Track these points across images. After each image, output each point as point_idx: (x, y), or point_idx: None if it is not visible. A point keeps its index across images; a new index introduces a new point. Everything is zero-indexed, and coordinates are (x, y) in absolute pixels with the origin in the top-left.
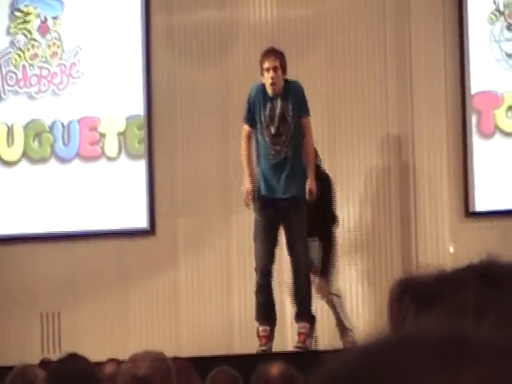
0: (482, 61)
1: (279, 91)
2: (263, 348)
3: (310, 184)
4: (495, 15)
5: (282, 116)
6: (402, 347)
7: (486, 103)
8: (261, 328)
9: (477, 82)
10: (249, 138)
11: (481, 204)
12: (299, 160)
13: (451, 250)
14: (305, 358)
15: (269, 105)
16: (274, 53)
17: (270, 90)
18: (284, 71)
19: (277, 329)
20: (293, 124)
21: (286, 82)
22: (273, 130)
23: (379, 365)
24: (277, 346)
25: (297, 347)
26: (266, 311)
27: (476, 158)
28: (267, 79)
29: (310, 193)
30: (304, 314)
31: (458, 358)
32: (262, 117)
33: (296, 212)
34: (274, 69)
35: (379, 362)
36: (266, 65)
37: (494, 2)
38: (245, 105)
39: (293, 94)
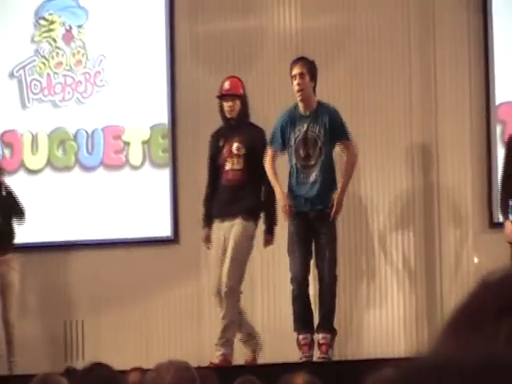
0: (506, 71)
1: (310, 107)
2: (306, 355)
3: (337, 199)
4: None
5: (312, 140)
6: (437, 370)
7: (511, 114)
8: (301, 337)
9: (501, 93)
10: (273, 159)
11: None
12: (329, 183)
13: (476, 260)
14: (327, 369)
15: (298, 127)
16: (301, 60)
17: (299, 99)
18: (313, 78)
19: (279, 340)
20: (324, 148)
21: (319, 103)
22: (302, 154)
23: None
24: (279, 358)
25: (320, 358)
26: (305, 320)
27: (500, 169)
28: (295, 86)
29: (333, 207)
30: (328, 325)
31: (489, 379)
32: (292, 140)
33: (324, 225)
34: (301, 75)
35: None
36: (294, 72)
37: None
38: (271, 130)
39: (325, 117)
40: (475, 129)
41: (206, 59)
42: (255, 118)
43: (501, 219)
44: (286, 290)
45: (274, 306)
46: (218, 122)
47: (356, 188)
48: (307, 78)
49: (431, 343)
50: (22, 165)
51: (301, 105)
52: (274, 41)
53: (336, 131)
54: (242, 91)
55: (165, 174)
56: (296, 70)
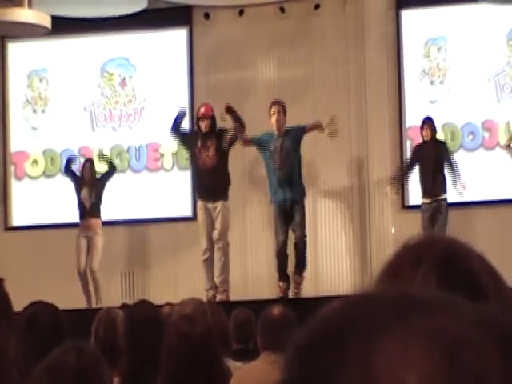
0: (414, 103)
1: (281, 132)
2: (283, 294)
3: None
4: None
5: (284, 151)
6: (370, 301)
7: (417, 133)
8: (281, 282)
9: (410, 119)
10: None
11: (414, 199)
12: (297, 178)
13: (393, 231)
14: (296, 304)
15: (273, 144)
16: (277, 102)
17: (275, 129)
18: (284, 114)
19: (260, 283)
20: (290, 155)
21: (286, 129)
22: (277, 161)
23: (348, 315)
24: (259, 296)
25: (295, 293)
26: (284, 271)
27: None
28: (273, 120)
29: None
30: (300, 270)
31: (409, 309)
32: (268, 152)
33: (297, 209)
34: (278, 113)
35: (349, 313)
36: (272, 110)
37: (422, 66)
38: (256, 139)
39: (290, 134)
40: (393, 144)
41: (215, 98)
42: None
43: (411, 203)
44: (263, 249)
45: (260, 258)
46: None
47: (315, 189)
48: (282, 115)
49: (366, 285)
50: None
51: (276, 131)
52: (260, 86)
53: (297, 135)
54: (212, 113)
55: (187, 175)
56: (274, 109)
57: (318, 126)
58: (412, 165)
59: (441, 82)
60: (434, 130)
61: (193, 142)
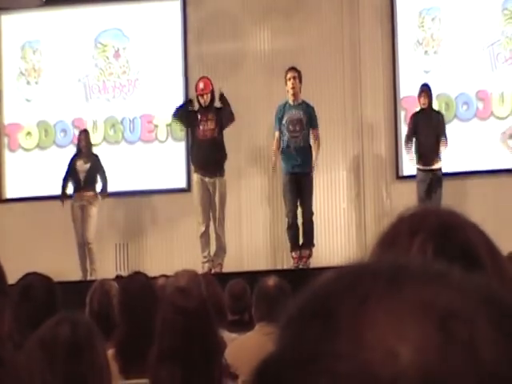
0: (409, 74)
1: (297, 100)
2: (296, 265)
3: (314, 162)
4: (416, 45)
5: (299, 120)
6: (361, 271)
7: (411, 104)
8: (293, 253)
9: (404, 89)
10: (277, 140)
11: (407, 170)
12: (308, 149)
13: (388, 202)
14: (292, 275)
15: (289, 113)
16: (293, 68)
17: (290, 97)
18: (300, 81)
19: (256, 255)
20: (305, 127)
21: (303, 101)
22: (291, 129)
23: (339, 286)
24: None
25: (304, 266)
26: (296, 242)
27: (402, 139)
28: (289, 87)
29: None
30: (309, 243)
31: (401, 279)
32: (284, 120)
33: (305, 180)
34: (294, 78)
35: (340, 283)
36: (288, 75)
37: (416, 37)
38: (273, 119)
39: (306, 108)
40: (388, 114)
41: (209, 69)
42: (240, 105)
43: (404, 173)
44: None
45: (256, 230)
46: None
47: (320, 159)
48: (297, 81)
49: (363, 256)
50: None
51: (291, 98)
52: (254, 56)
53: (311, 121)
54: (211, 87)
55: (181, 146)
56: (290, 75)
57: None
58: (411, 135)
59: (435, 52)
60: (431, 98)
61: (193, 117)
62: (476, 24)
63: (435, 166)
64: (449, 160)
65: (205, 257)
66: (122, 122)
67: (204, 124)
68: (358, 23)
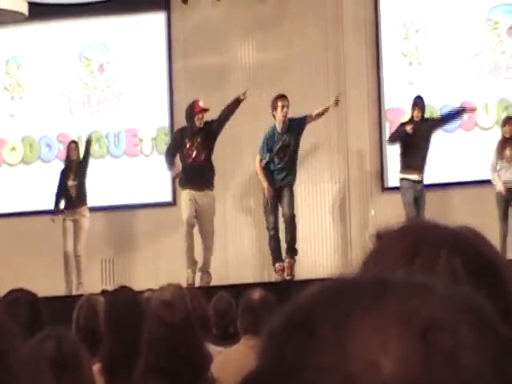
0: (393, 85)
1: (284, 125)
2: (281, 276)
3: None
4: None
5: (287, 145)
6: (344, 285)
7: (395, 115)
8: (277, 265)
9: (389, 101)
10: (261, 163)
11: (392, 181)
12: (293, 165)
13: (372, 212)
14: (278, 287)
15: (277, 141)
16: (284, 96)
17: (281, 123)
18: (288, 109)
19: (242, 268)
20: (292, 148)
21: (289, 120)
22: (281, 155)
23: (322, 299)
24: (242, 280)
25: (288, 276)
26: (279, 253)
27: (388, 150)
28: (280, 116)
29: None
30: (292, 251)
31: (383, 292)
32: (274, 149)
33: (287, 193)
34: (287, 107)
35: (323, 297)
36: (279, 103)
37: (400, 48)
38: (261, 144)
39: (291, 128)
40: (372, 126)
41: (194, 83)
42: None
43: (390, 185)
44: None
45: (241, 241)
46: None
47: (306, 171)
48: (288, 109)
49: (352, 270)
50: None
51: (280, 125)
52: (238, 70)
53: (299, 126)
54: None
55: None
56: (281, 103)
57: (325, 110)
58: (401, 136)
59: (419, 64)
60: (424, 111)
61: (180, 141)
62: (460, 35)
63: (422, 176)
64: (433, 171)
65: (190, 266)
66: (106, 137)
67: (193, 149)
68: (342, 35)
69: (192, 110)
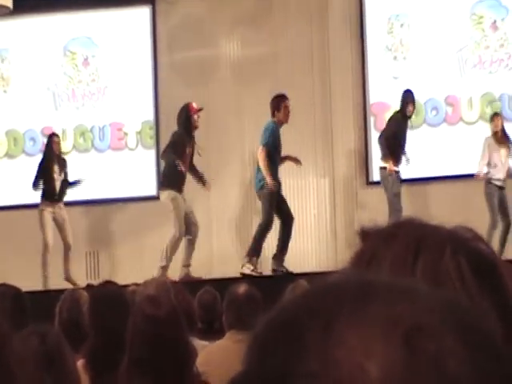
0: (378, 80)
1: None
2: (258, 272)
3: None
4: (385, 50)
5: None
6: (329, 288)
7: (380, 109)
8: (254, 259)
9: (374, 95)
10: (267, 155)
11: (377, 175)
12: None
13: (358, 206)
14: (263, 281)
15: (280, 138)
16: (287, 97)
17: (284, 122)
18: None
19: (225, 263)
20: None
21: None
22: (280, 150)
23: (307, 303)
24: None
25: (278, 271)
26: (260, 250)
27: (372, 145)
28: (287, 114)
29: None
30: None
31: (368, 296)
32: (279, 148)
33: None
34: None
35: (308, 301)
36: (287, 104)
37: (385, 43)
38: (267, 136)
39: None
40: (357, 120)
41: (179, 77)
42: (211, 111)
43: (375, 178)
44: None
45: (224, 236)
46: None
47: (281, 167)
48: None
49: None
50: None
51: (283, 124)
52: (223, 64)
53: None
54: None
55: (151, 153)
56: (289, 104)
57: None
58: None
59: (404, 58)
60: (414, 107)
61: (181, 147)
62: (444, 29)
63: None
64: (417, 165)
65: (186, 261)
66: (91, 130)
67: (189, 153)
68: (327, 29)
69: (188, 112)
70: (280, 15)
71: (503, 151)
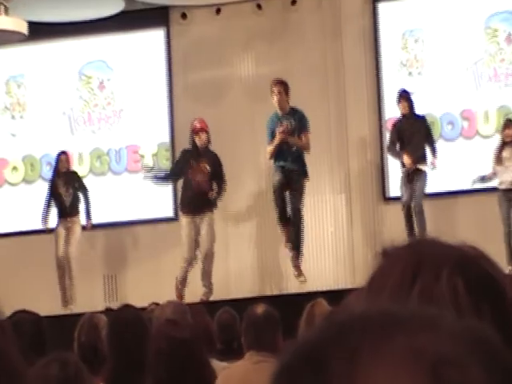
0: (393, 95)
1: (285, 111)
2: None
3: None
4: (400, 66)
5: (291, 130)
6: (352, 320)
7: None
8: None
9: (389, 111)
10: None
11: (394, 191)
12: (298, 151)
13: (375, 222)
14: (281, 300)
15: (280, 122)
16: (278, 82)
17: (278, 109)
18: (287, 94)
19: (243, 283)
20: (296, 134)
21: (291, 108)
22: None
23: (331, 335)
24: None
25: (299, 278)
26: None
27: (388, 161)
28: (275, 101)
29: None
30: (300, 254)
31: (392, 327)
32: (277, 130)
33: (295, 180)
34: (279, 93)
35: (332, 333)
36: (274, 89)
37: (400, 58)
38: (266, 132)
39: (295, 115)
40: (373, 136)
41: (194, 97)
42: (226, 134)
43: (391, 195)
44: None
45: (242, 254)
46: None
47: (311, 187)
48: (283, 95)
49: (352, 300)
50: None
51: (278, 110)
52: (238, 83)
53: (301, 125)
54: (207, 128)
55: None
56: (275, 89)
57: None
58: (395, 141)
59: (419, 73)
60: (411, 103)
61: (184, 162)
62: (459, 43)
63: (420, 166)
64: (435, 180)
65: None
66: (107, 153)
67: (198, 172)
68: (341, 46)
69: (191, 131)
70: (294, 32)
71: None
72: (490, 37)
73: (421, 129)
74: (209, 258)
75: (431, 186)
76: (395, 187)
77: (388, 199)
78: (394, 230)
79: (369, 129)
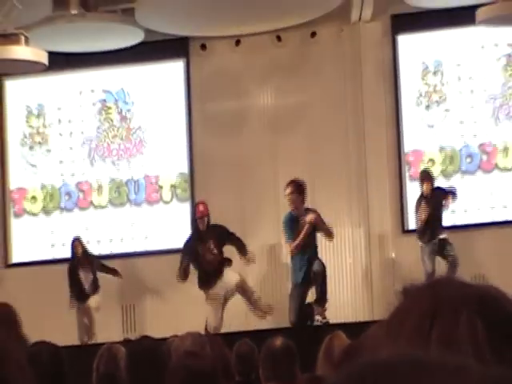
0: (412, 128)
1: (299, 210)
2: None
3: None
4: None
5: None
6: (378, 367)
7: (415, 158)
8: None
9: (409, 143)
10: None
11: (413, 224)
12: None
13: (393, 255)
14: (300, 332)
15: (296, 225)
16: (292, 181)
17: (291, 208)
18: (300, 194)
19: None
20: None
21: (306, 209)
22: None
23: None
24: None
25: (324, 322)
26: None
27: (408, 194)
28: (287, 200)
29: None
30: (324, 300)
31: (421, 375)
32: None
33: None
34: (291, 194)
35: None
36: (286, 191)
37: (419, 91)
38: (283, 229)
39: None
40: (392, 169)
41: (213, 128)
42: (245, 165)
43: (410, 227)
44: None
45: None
46: (217, 171)
47: (326, 215)
48: (295, 194)
49: (372, 340)
50: (91, 203)
51: (293, 210)
52: (257, 115)
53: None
54: (208, 211)
55: (186, 206)
56: (288, 191)
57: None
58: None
59: (438, 106)
60: (433, 182)
61: (192, 246)
62: (478, 76)
63: (441, 236)
64: (453, 213)
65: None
66: (126, 184)
67: (206, 251)
68: (360, 78)
69: (195, 213)
70: (313, 64)
71: None
72: (509, 70)
73: (439, 199)
74: (245, 292)
75: (451, 220)
76: (413, 219)
77: (407, 231)
78: (413, 262)
79: (387, 161)
